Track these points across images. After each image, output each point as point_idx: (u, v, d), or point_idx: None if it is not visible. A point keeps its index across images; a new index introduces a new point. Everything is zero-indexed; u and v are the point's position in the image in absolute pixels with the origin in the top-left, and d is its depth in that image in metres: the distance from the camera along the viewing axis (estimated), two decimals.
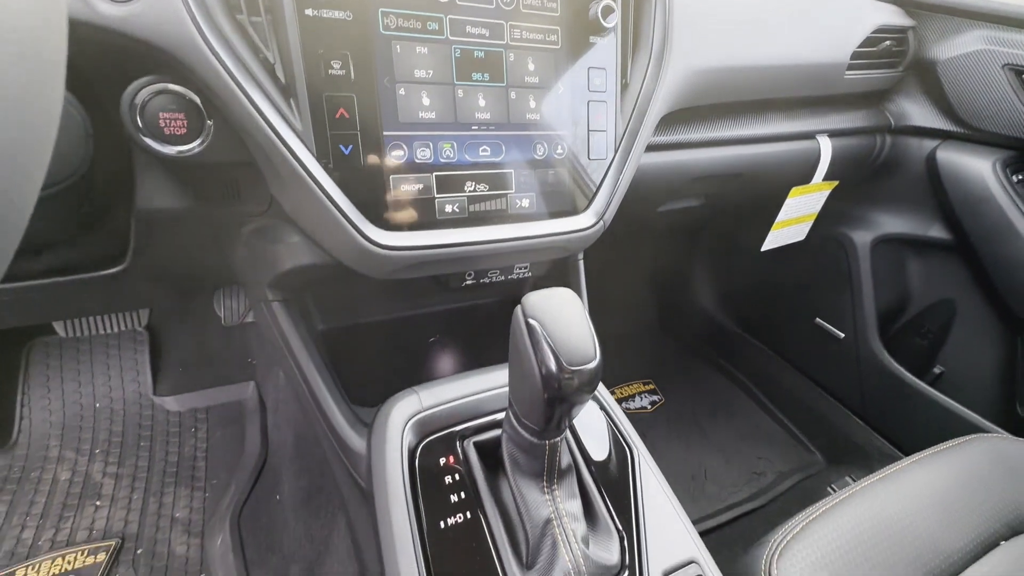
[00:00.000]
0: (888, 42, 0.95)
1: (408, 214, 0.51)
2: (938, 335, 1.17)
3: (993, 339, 1.07)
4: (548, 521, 0.46)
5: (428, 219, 0.52)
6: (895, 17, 0.97)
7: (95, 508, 0.96)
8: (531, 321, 0.39)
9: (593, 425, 0.57)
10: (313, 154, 0.46)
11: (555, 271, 0.75)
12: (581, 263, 0.75)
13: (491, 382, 0.56)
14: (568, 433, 0.55)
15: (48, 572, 0.85)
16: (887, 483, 0.70)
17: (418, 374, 0.69)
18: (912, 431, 1.15)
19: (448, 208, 0.53)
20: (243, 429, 1.13)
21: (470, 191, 0.54)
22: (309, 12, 0.44)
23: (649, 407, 1.40)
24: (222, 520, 0.94)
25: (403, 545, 0.43)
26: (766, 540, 0.61)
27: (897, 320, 1.22)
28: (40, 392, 1.08)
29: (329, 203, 0.46)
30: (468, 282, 0.69)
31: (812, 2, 0.86)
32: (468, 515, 0.46)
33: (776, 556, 0.58)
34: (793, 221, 1.07)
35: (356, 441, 0.54)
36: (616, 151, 0.61)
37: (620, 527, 0.49)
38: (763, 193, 1.03)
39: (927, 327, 1.18)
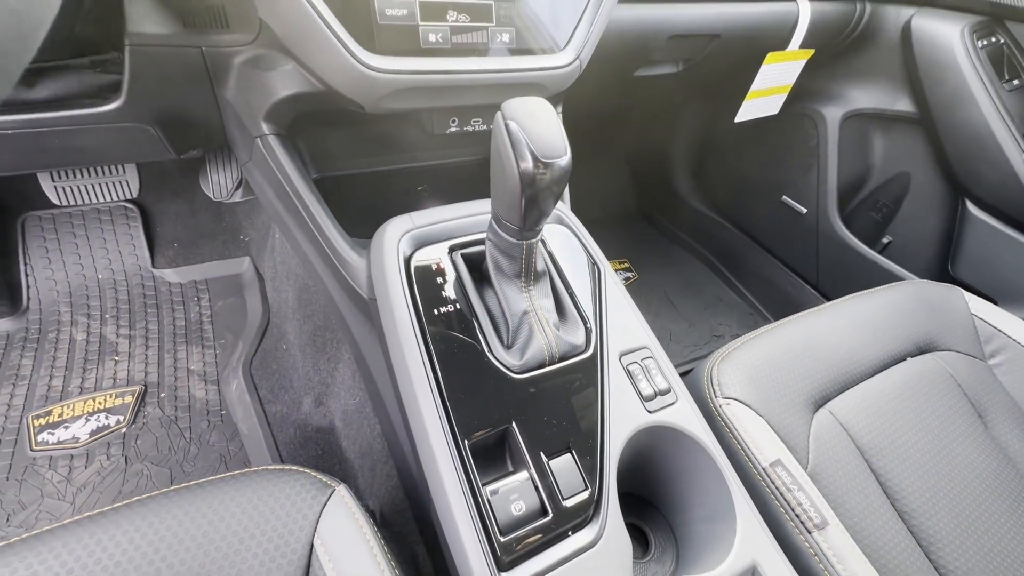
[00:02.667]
0: None
1: (394, 39, 0.54)
2: (891, 208, 1.26)
3: (938, 207, 1.16)
4: (525, 312, 0.55)
5: (413, 46, 0.55)
6: None
7: (115, 362, 1.05)
8: (509, 123, 0.44)
9: (566, 248, 0.65)
10: None
11: None
12: (560, 115, 0.79)
13: (476, 208, 0.62)
14: (543, 248, 0.62)
15: (83, 410, 0.95)
16: (821, 312, 0.81)
17: (403, 210, 0.75)
18: (852, 288, 1.27)
19: (432, 37, 0.56)
20: (243, 299, 1.21)
21: (452, 21, 0.56)
22: None
23: (623, 283, 1.51)
24: (235, 370, 1.04)
25: (406, 331, 0.51)
26: (712, 353, 0.73)
27: (856, 195, 1.31)
28: (42, 264, 1.12)
29: (317, 17, 0.49)
30: (452, 129, 0.73)
31: None
32: (457, 306, 0.55)
33: (718, 362, 0.69)
34: (767, 92, 1.10)
35: (356, 259, 0.61)
36: None
37: (586, 319, 0.58)
38: (740, 62, 1.05)
39: (882, 201, 1.27)
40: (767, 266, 1.46)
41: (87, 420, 0.94)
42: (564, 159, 0.44)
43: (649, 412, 0.54)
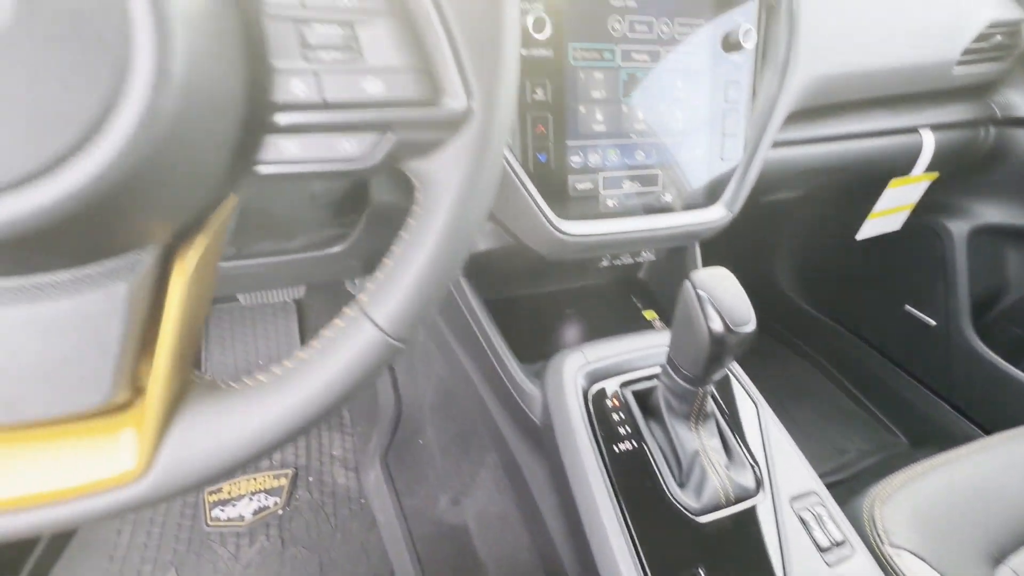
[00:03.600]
0: (999, 36, 0.98)
1: (580, 206, 0.64)
2: None
3: None
4: (696, 452, 0.58)
5: (594, 211, 0.65)
6: (1007, 11, 0.99)
7: None
8: (700, 292, 0.51)
9: (726, 387, 0.69)
10: (518, 160, 0.59)
11: (673, 253, 0.87)
12: (697, 247, 0.86)
13: (639, 344, 0.68)
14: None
15: (247, 490, 1.07)
16: (980, 451, 0.78)
17: (560, 336, 0.82)
18: (1003, 415, 1.18)
19: (610, 203, 0.66)
20: (375, 389, 1.32)
21: (626, 188, 0.66)
22: (523, 52, 0.57)
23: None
24: (372, 459, 1.13)
25: (590, 464, 0.57)
26: (867, 492, 0.71)
27: (992, 308, 1.24)
28: (217, 349, 1.31)
29: (530, 199, 0.60)
30: (604, 263, 0.82)
31: (925, 3, 0.90)
32: (634, 444, 0.60)
33: (879, 503, 0.68)
34: (890, 211, 1.12)
35: (531, 387, 0.69)
36: (744, 152, 0.71)
37: (753, 461, 0.61)
38: (862, 184, 1.09)
39: None
40: (891, 377, 1.39)
41: (251, 499, 1.05)
42: (750, 326, 0.50)
43: (828, 565, 0.54)
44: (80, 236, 0.24)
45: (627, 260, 0.82)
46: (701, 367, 0.53)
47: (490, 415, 0.81)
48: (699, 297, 0.51)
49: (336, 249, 0.75)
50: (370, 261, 0.81)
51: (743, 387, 0.68)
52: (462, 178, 0.30)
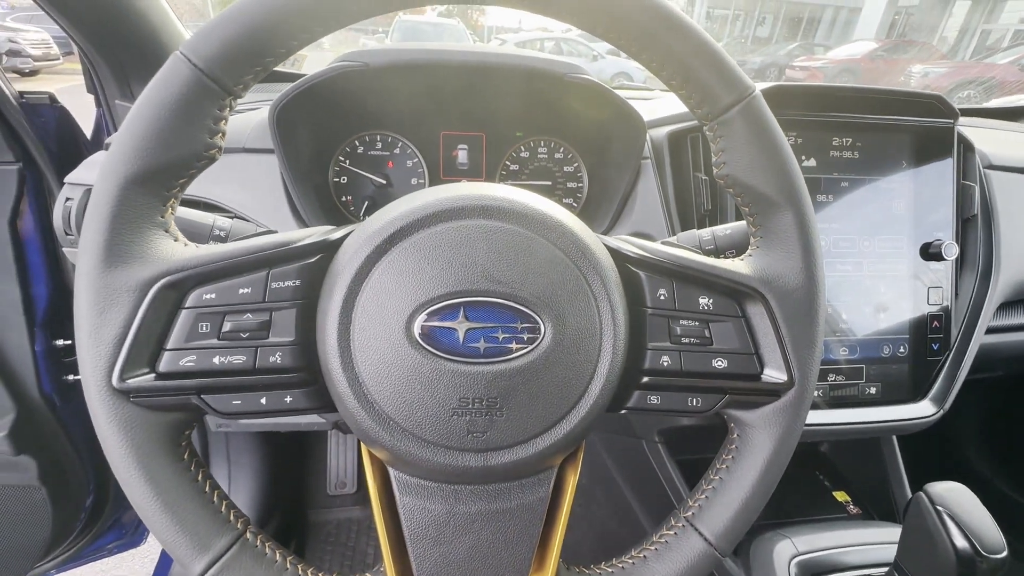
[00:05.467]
0: None
1: None
2: None
3: None
4: None
5: None
6: None
7: None
8: (939, 508, 0.53)
9: None
10: None
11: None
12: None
13: (846, 537, 0.68)
14: None
15: None
16: None
17: None
18: None
19: (815, 393, 0.70)
20: None
21: (831, 380, 0.71)
22: None
23: None
24: None
25: None
26: None
27: None
28: None
29: None
30: None
31: None
32: None
33: None
34: None
35: (732, 565, 0.70)
36: (951, 351, 0.73)
37: None
38: None
39: None
40: None
41: None
42: (1004, 553, 0.50)
43: None
44: (536, 465, 0.36)
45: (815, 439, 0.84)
46: None
47: None
48: (938, 513, 0.53)
49: None
50: None
51: None
52: (781, 432, 0.39)
